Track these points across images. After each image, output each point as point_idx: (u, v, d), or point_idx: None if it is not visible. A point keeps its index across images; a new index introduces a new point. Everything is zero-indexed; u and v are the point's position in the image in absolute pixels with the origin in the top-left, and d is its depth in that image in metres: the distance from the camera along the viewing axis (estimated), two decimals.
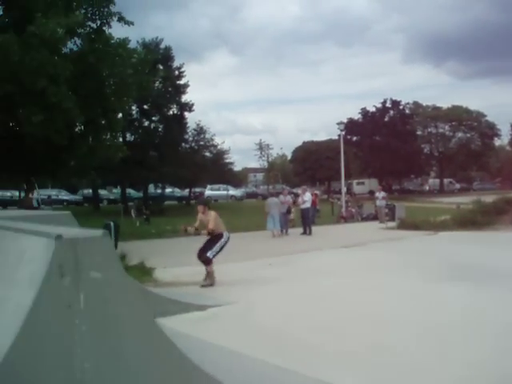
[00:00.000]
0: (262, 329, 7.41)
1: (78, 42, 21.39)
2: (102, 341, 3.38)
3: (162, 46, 44.50)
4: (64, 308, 3.22)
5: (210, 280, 11.04)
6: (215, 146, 53.58)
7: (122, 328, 3.47)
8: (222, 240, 11.31)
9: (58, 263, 3.17)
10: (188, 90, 45.74)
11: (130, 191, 51.02)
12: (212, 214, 11.52)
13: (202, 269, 11.22)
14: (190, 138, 49.74)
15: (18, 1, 18.82)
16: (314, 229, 23.85)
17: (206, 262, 11.14)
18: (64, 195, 54.94)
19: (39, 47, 17.39)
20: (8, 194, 49.75)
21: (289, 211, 24.31)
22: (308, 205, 23.75)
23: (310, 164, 68.46)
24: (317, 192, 36.65)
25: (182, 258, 13.54)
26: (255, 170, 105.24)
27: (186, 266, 12.63)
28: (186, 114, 46.49)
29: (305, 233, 23.07)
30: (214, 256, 11.19)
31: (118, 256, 3.77)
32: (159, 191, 51.39)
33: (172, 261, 13.97)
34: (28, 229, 3.97)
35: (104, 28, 22.18)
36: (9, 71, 17.29)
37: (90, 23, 21.69)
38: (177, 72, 45.27)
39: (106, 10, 21.85)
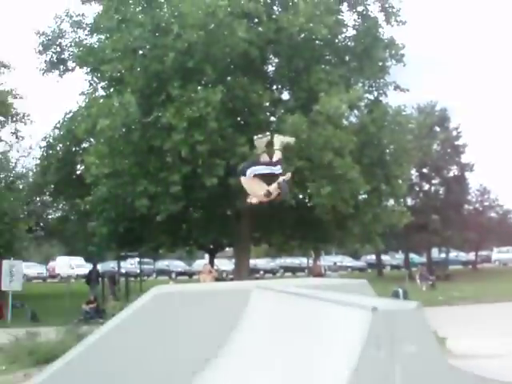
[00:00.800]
0: None
1: (357, 114, 22.50)
2: None
3: (437, 107, 44.39)
4: (380, 381, 3.29)
5: None
6: (501, 206, 50.51)
7: None
8: None
9: (374, 335, 3.29)
10: (467, 149, 44.88)
11: (413, 256, 50.34)
12: None
13: (500, 340, 10.45)
14: (474, 199, 48.03)
15: (303, 84, 20.65)
16: None
17: None
18: (348, 261, 56.25)
19: (324, 123, 18.80)
20: (296, 261, 53.13)
21: None
22: None
23: None
24: None
25: (475, 328, 12.82)
26: None
27: (481, 336, 11.91)
28: (467, 174, 45.28)
29: None
30: None
31: (431, 329, 3.76)
32: (443, 255, 49.91)
33: (464, 330, 13.24)
34: (339, 299, 4.19)
35: (381, 98, 23.12)
36: (299, 148, 18.90)
37: (367, 95, 22.79)
38: (454, 132, 44.50)
39: (382, 80, 22.85)
